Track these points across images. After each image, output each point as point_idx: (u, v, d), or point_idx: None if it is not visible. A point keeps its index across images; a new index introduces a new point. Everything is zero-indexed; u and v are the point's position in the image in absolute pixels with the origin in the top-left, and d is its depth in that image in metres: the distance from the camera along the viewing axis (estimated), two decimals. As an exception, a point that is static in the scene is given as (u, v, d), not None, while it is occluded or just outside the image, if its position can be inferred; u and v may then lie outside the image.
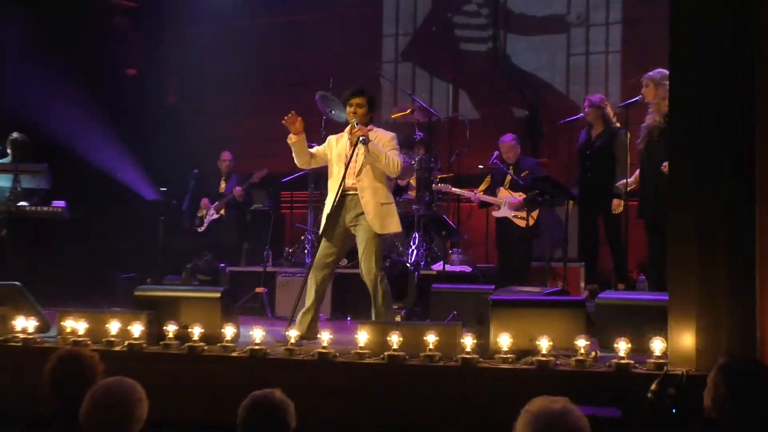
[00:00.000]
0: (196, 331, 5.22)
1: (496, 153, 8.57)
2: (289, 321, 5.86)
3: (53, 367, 3.85)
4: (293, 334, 5.19)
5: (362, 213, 5.94)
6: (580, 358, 4.63)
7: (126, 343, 5.29)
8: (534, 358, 4.68)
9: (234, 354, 5.14)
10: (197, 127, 11.12)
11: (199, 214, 9.89)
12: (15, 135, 8.39)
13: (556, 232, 8.54)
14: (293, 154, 6.09)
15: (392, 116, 9.22)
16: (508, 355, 4.77)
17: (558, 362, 4.68)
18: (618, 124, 7.67)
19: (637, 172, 7.04)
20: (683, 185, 4.58)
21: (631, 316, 5.12)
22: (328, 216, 5.99)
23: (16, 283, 6.06)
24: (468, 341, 4.81)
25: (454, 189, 8.87)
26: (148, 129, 10.68)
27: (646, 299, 5.42)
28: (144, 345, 5.31)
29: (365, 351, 4.95)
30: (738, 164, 4.37)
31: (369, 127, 6.04)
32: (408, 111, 9.01)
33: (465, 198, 9.06)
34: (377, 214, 5.92)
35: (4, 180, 8.06)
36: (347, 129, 6.12)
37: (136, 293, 5.90)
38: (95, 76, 9.75)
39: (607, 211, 7.56)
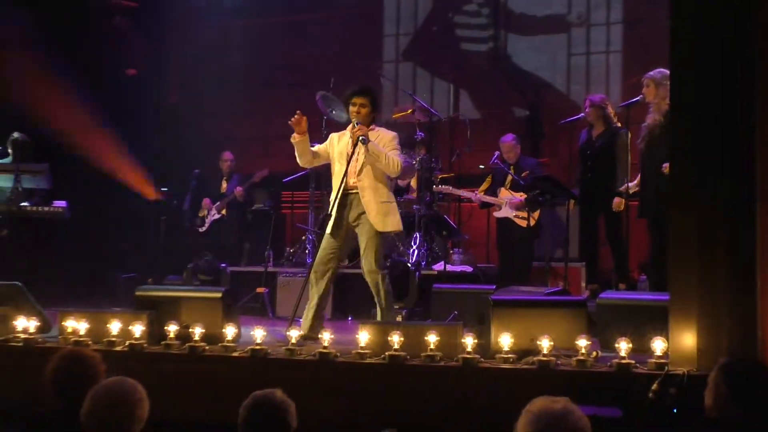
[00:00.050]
0: (197, 331, 5.23)
1: (496, 153, 8.57)
2: (290, 321, 5.86)
3: (55, 367, 3.86)
4: (294, 334, 5.19)
5: (364, 212, 5.95)
6: (581, 358, 4.64)
7: (127, 343, 5.30)
8: (535, 358, 4.68)
9: (235, 354, 5.14)
10: (198, 127, 11.13)
11: (200, 214, 9.89)
12: (16, 135, 8.39)
13: (556, 232, 8.54)
14: (296, 153, 6.10)
15: (393, 116, 9.22)
16: (509, 355, 4.77)
17: (559, 362, 4.69)
18: (619, 124, 7.67)
19: (639, 177, 7.06)
20: (683, 185, 4.59)
21: (632, 316, 5.12)
22: (330, 215, 6.00)
23: (17, 283, 6.06)
24: (469, 341, 4.81)
25: (455, 190, 8.87)
26: (148, 129, 10.68)
27: (647, 299, 5.43)
28: (145, 345, 5.31)
29: (366, 351, 4.96)
30: (738, 164, 4.37)
31: (371, 126, 6.05)
32: (409, 111, 9.01)
33: (466, 198, 9.06)
34: (378, 213, 5.92)
35: (4, 180, 8.06)
36: (349, 128, 6.12)
37: (137, 293, 5.90)
38: (96, 75, 9.74)
39: (607, 211, 7.56)
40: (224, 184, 9.99)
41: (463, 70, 11.03)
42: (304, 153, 6.08)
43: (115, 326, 5.37)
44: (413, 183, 8.78)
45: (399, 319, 6.54)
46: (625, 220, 7.22)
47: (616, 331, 4.80)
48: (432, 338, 4.84)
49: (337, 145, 6.12)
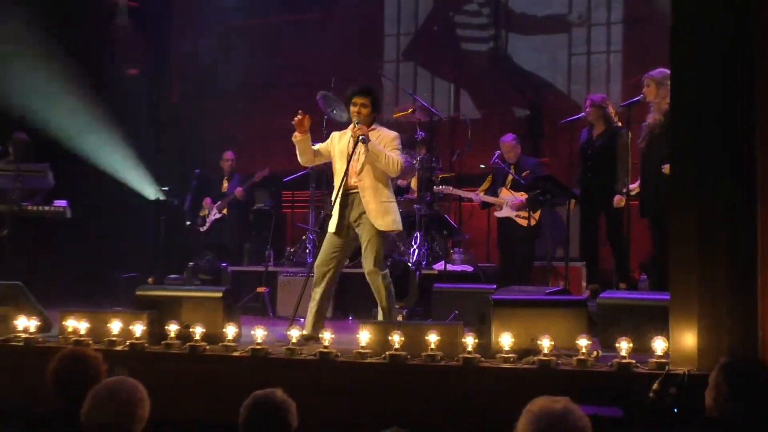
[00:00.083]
0: (198, 331, 5.23)
1: (497, 153, 8.57)
2: (291, 320, 5.86)
3: (57, 367, 3.85)
4: (294, 333, 5.20)
5: (365, 212, 5.95)
6: (582, 357, 4.64)
7: (128, 342, 5.30)
8: (535, 358, 4.69)
9: (235, 354, 5.15)
10: (199, 127, 11.12)
11: (201, 214, 9.90)
12: (17, 135, 8.40)
13: (557, 231, 8.54)
14: (297, 152, 6.10)
15: (394, 116, 9.21)
16: (510, 355, 4.77)
17: (559, 362, 4.69)
18: (619, 124, 7.66)
19: (639, 180, 7.07)
20: (683, 185, 4.59)
21: (633, 316, 5.13)
22: (332, 214, 6.00)
23: (18, 282, 6.07)
24: (469, 341, 4.81)
25: (455, 191, 8.87)
26: (149, 129, 10.68)
27: (648, 299, 5.43)
28: (145, 345, 5.31)
29: (367, 351, 4.96)
30: (738, 164, 4.38)
31: (372, 126, 6.04)
32: (409, 111, 9.00)
33: (467, 198, 9.06)
34: (379, 212, 5.92)
35: (5, 180, 8.06)
36: (350, 127, 6.12)
37: (138, 293, 5.90)
38: (97, 75, 9.75)
39: (608, 210, 7.56)
40: (225, 184, 9.99)
41: (464, 70, 11.04)
42: (305, 152, 6.08)
43: (115, 326, 5.37)
44: (413, 184, 8.78)
45: (399, 318, 6.54)
46: (625, 220, 7.22)
47: (617, 331, 4.81)
48: (432, 338, 4.84)
49: (338, 143, 6.11)
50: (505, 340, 4.80)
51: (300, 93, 9.81)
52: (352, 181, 5.98)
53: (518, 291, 6.55)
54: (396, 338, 4.86)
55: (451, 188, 8.84)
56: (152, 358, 5.20)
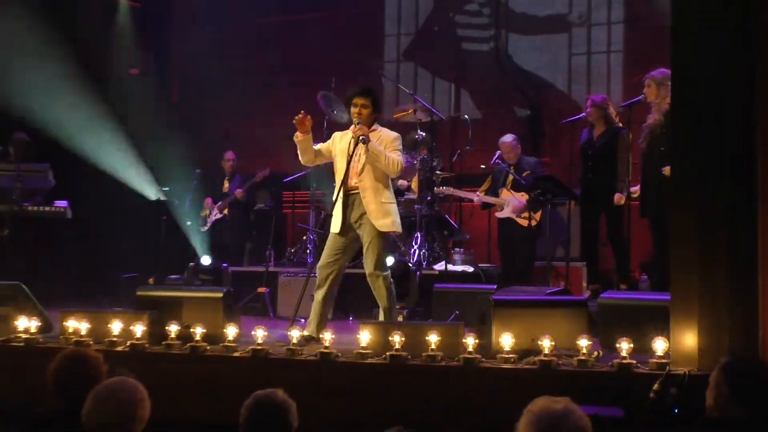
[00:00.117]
0: (199, 331, 5.23)
1: (497, 153, 8.57)
2: (291, 321, 5.86)
3: (58, 368, 3.85)
4: (295, 334, 5.20)
5: (365, 212, 5.94)
6: (582, 357, 4.64)
7: (128, 343, 5.30)
8: (536, 358, 4.69)
9: (236, 354, 5.15)
10: (199, 127, 11.11)
11: (202, 214, 9.90)
12: (17, 135, 8.40)
13: (558, 231, 8.53)
14: (298, 152, 6.09)
15: (394, 116, 9.22)
16: (510, 355, 4.77)
17: (560, 362, 4.69)
18: (620, 124, 7.66)
19: (639, 184, 7.07)
20: (683, 185, 4.59)
21: (634, 316, 5.12)
22: (333, 215, 6.00)
23: (18, 283, 6.07)
24: (470, 341, 4.81)
25: (456, 192, 8.87)
26: (150, 128, 10.68)
27: (648, 299, 5.43)
28: (146, 345, 5.32)
29: (367, 351, 4.96)
30: (738, 164, 4.38)
31: (373, 127, 6.04)
32: (410, 111, 9.01)
33: (467, 199, 9.06)
34: (379, 213, 5.92)
35: (6, 180, 8.06)
36: (351, 127, 6.12)
37: (138, 293, 5.91)
38: (98, 75, 9.75)
39: (609, 211, 7.56)
40: (226, 184, 10.00)
41: (464, 70, 11.04)
42: (306, 151, 6.08)
43: (116, 326, 5.38)
44: (414, 185, 8.77)
45: (400, 319, 6.54)
46: (626, 220, 7.22)
47: (617, 331, 4.81)
48: (433, 338, 4.85)
49: (339, 144, 6.11)
50: (506, 341, 4.80)
51: (300, 93, 9.82)
52: (353, 181, 5.98)
53: (519, 291, 6.55)
54: (396, 339, 4.86)
55: (452, 189, 8.84)
56: (153, 359, 5.20)
